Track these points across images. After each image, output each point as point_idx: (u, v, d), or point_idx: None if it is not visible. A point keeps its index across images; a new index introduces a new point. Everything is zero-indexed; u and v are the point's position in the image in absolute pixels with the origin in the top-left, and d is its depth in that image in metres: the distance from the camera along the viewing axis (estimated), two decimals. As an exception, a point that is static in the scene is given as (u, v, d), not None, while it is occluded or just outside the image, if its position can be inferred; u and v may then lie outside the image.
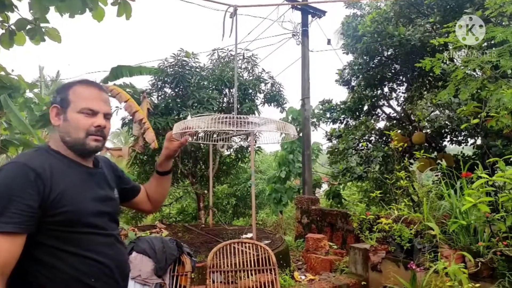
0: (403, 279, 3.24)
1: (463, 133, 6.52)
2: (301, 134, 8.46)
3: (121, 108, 6.82)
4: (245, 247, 3.14)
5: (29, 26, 3.77)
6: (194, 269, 2.83)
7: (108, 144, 8.12)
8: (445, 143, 6.89)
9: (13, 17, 3.75)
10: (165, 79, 7.50)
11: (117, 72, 6.99)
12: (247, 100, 8.02)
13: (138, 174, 8.21)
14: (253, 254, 3.07)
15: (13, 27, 3.73)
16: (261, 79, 8.42)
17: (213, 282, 2.91)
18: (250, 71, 8.50)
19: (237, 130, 4.47)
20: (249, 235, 5.63)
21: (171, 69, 7.49)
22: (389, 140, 6.65)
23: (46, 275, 1.20)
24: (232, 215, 11.07)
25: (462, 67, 3.90)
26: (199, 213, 8.28)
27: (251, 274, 3.03)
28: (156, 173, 1.68)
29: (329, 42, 9.27)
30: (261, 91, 8.46)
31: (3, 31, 3.74)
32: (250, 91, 8.09)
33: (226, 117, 3.26)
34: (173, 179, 8.04)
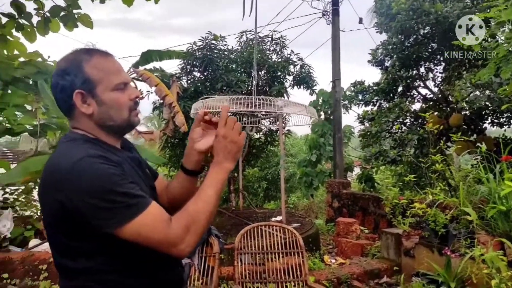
0: (437, 265, 3.15)
1: (505, 115, 6.17)
2: (332, 117, 8.30)
3: (152, 92, 6.94)
4: (273, 229, 3.13)
5: (62, 13, 3.86)
6: (223, 250, 2.87)
7: (141, 128, 8.31)
8: (485, 125, 6.56)
9: (47, 5, 3.86)
10: (194, 62, 7.52)
11: (147, 56, 7.08)
12: (276, 83, 7.92)
13: (169, 157, 8.38)
14: (281, 237, 3.07)
15: (47, 14, 3.83)
16: (290, 61, 8.27)
17: (242, 263, 2.93)
18: (279, 53, 8.35)
19: (264, 112, 4.41)
20: (279, 218, 5.63)
21: (199, 53, 7.49)
22: (425, 122, 6.40)
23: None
24: (263, 198, 11.13)
25: (504, 44, 3.65)
26: (230, 196, 8.38)
27: (279, 257, 3.03)
28: (181, 169, 1.35)
29: (361, 21, 8.98)
30: (290, 73, 8.32)
31: (39, 18, 3.85)
32: (279, 73, 7.97)
33: (245, 98, 3.20)
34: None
